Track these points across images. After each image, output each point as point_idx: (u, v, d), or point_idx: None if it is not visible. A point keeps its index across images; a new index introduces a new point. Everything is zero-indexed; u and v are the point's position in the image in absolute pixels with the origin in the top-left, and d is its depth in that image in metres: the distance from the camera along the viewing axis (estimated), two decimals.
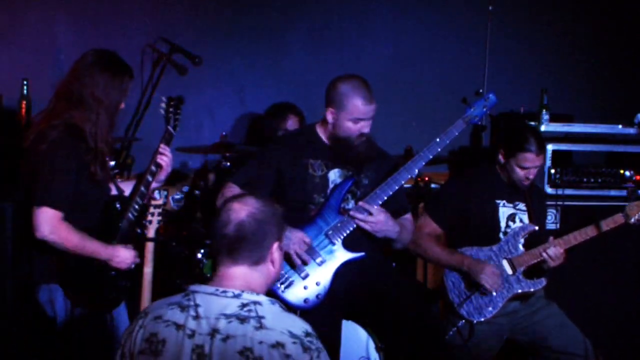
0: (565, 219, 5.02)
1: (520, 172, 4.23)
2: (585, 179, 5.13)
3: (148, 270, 4.44)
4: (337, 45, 5.97)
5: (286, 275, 3.82)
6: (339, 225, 3.88)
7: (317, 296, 3.83)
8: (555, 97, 5.49)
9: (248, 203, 2.64)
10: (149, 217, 4.44)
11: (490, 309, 4.20)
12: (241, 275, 2.61)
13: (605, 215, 4.34)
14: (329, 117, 3.92)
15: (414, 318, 3.88)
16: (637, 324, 5.19)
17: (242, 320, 2.49)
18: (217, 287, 2.57)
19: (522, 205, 4.34)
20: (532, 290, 4.26)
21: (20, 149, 3.61)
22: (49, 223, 3.34)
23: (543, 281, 4.27)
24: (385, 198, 3.87)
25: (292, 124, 5.22)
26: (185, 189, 5.11)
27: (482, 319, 4.19)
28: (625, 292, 5.18)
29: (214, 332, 2.49)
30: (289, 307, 3.75)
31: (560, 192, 4.94)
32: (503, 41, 5.94)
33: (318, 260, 3.86)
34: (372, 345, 4.10)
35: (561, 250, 4.22)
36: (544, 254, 4.19)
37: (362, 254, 3.90)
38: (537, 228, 4.27)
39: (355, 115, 3.86)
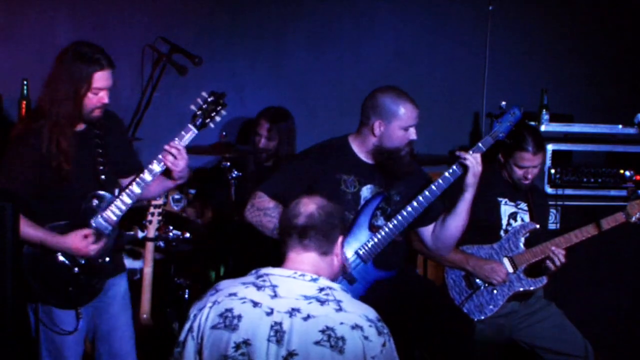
0: (565, 219, 5.02)
1: (518, 172, 4.23)
2: (585, 179, 5.13)
3: (148, 270, 4.46)
4: (337, 45, 5.97)
5: None
6: (369, 244, 3.82)
7: None
8: (555, 97, 5.50)
9: (316, 199, 2.82)
10: (149, 217, 4.46)
11: (491, 307, 4.21)
12: (311, 262, 2.74)
13: (606, 215, 4.34)
14: (377, 131, 3.83)
15: (448, 321, 3.87)
16: (637, 324, 5.19)
17: (322, 302, 2.62)
18: (294, 270, 2.70)
19: (523, 205, 4.35)
20: (532, 288, 4.26)
21: None
22: None
23: (544, 279, 4.27)
24: (416, 216, 3.83)
25: (260, 129, 5.13)
26: (192, 191, 5.11)
27: (483, 317, 4.19)
28: (626, 292, 5.18)
29: (293, 310, 2.60)
30: None
31: (560, 192, 4.95)
32: (503, 41, 5.94)
33: (350, 280, 3.81)
34: None
35: (563, 251, 4.23)
36: (549, 263, 4.20)
37: (393, 272, 3.87)
38: (538, 226, 4.28)
39: (409, 122, 3.82)
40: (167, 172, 3.61)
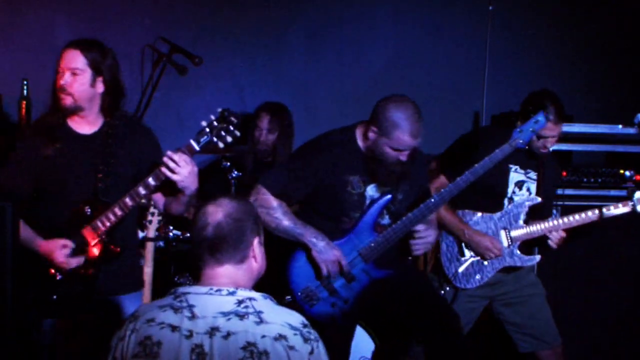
0: None
1: (537, 141, 4.15)
2: (585, 179, 5.13)
3: (148, 270, 4.46)
4: (337, 45, 5.97)
5: (315, 292, 3.77)
6: (372, 245, 3.79)
7: (343, 313, 3.80)
8: None
9: (223, 204, 2.63)
10: (149, 217, 4.46)
11: (478, 277, 4.22)
12: (227, 274, 2.61)
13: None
14: (370, 135, 3.74)
15: (440, 320, 3.88)
16: (637, 323, 5.18)
17: (241, 316, 2.50)
18: (210, 286, 2.57)
19: (533, 174, 4.28)
20: (523, 265, 4.25)
21: None
22: None
23: (535, 258, 4.26)
24: (422, 219, 3.80)
25: (260, 122, 5.13)
26: None
27: (469, 287, 4.20)
28: (626, 292, 5.18)
29: (212, 330, 2.49)
30: (314, 322, 3.73)
31: (560, 192, 4.94)
32: (503, 41, 5.94)
33: (349, 278, 3.80)
34: (372, 345, 4.10)
35: (563, 234, 4.21)
36: (550, 237, 4.18)
37: (392, 270, 3.85)
38: (540, 200, 4.23)
39: (397, 147, 3.69)
40: (175, 186, 3.42)
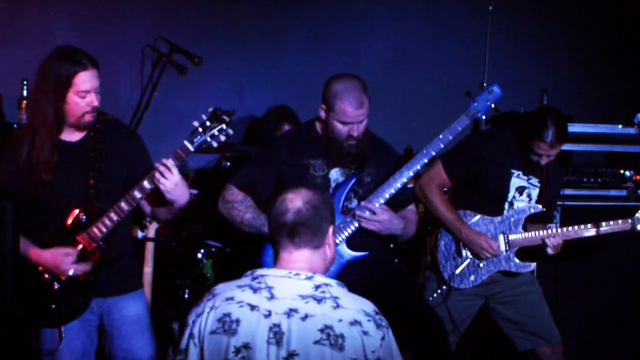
0: (565, 219, 5.01)
1: (533, 156, 4.13)
2: (585, 179, 5.13)
3: (148, 270, 4.47)
4: (337, 45, 5.97)
5: None
6: (342, 226, 3.82)
7: None
8: (555, 97, 5.49)
9: (302, 192, 2.76)
10: (149, 217, 4.46)
11: (472, 278, 4.22)
12: (304, 259, 2.72)
13: (606, 215, 4.32)
14: (321, 114, 3.87)
15: (416, 316, 3.87)
16: (637, 325, 5.19)
17: (319, 300, 2.62)
18: (288, 269, 2.69)
19: (535, 181, 4.26)
20: (518, 271, 4.24)
21: None
22: None
23: (531, 265, 4.26)
24: (388, 197, 3.83)
25: (281, 132, 5.15)
26: (194, 192, 5.11)
27: (462, 287, 4.20)
28: (626, 294, 5.18)
29: (291, 311, 2.60)
30: None
31: (560, 192, 4.94)
32: (503, 41, 5.94)
33: None
34: None
35: (560, 241, 4.20)
36: (547, 241, 4.17)
37: (366, 253, 3.87)
38: (543, 209, 4.23)
39: (343, 119, 3.79)
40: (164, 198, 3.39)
